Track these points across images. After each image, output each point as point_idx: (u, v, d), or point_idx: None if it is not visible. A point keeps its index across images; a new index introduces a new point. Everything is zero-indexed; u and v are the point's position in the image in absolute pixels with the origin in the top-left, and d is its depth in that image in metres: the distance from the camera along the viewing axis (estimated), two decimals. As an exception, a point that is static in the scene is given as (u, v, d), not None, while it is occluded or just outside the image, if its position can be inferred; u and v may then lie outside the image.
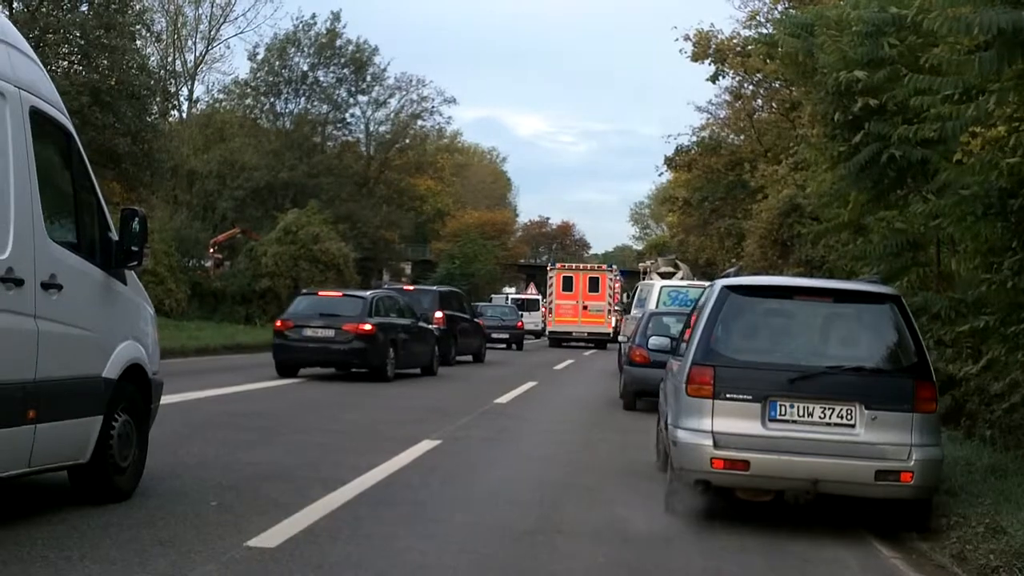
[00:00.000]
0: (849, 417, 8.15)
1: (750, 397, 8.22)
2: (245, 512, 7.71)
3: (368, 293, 22.30)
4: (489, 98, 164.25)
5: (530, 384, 21.83)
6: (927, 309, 13.40)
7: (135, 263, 7.88)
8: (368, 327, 20.31)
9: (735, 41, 41.33)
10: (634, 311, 23.93)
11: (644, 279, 36.19)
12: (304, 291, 24.45)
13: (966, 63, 9.19)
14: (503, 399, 18.06)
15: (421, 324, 23.33)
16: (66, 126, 7.50)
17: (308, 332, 20.37)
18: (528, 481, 10.01)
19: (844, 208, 16.08)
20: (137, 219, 7.77)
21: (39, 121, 6.97)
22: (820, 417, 8.17)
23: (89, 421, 7.32)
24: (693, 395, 8.37)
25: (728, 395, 8.25)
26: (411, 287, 32.38)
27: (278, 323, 20.98)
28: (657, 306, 21.67)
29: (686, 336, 9.81)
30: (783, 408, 8.21)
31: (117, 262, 7.75)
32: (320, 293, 23.09)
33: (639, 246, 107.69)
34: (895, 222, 15.26)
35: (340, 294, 22.79)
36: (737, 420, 8.21)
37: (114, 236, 7.77)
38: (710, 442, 8.19)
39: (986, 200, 10.42)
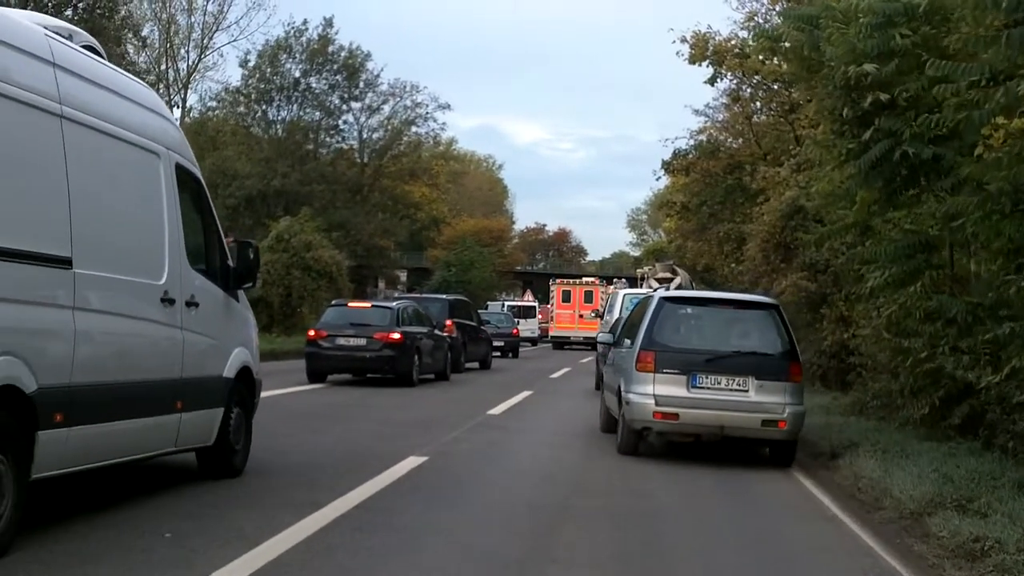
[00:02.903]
0: (744, 385, 12.10)
1: (679, 371, 12.16)
2: (203, 544, 6.98)
3: (394, 303, 23.96)
4: (487, 106, 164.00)
5: (526, 393, 21.09)
6: (942, 313, 12.69)
7: (249, 284, 9.78)
8: (397, 335, 21.70)
9: (733, 43, 40.62)
10: (607, 316, 27.42)
11: (642, 285, 40.13)
12: (333, 302, 25.65)
13: (994, 41, 8.46)
14: (496, 410, 17.31)
15: (437, 332, 24.43)
16: (198, 175, 9.35)
17: (341, 341, 21.74)
18: (519, 502, 9.29)
19: (850, 209, 15.38)
20: (251, 249, 9.75)
21: (180, 174, 8.83)
22: (725, 385, 12.11)
23: (215, 412, 9.14)
24: (640, 370, 12.27)
25: (664, 370, 12.17)
26: (415, 295, 33.07)
27: (311, 333, 22.35)
28: (620, 312, 24.13)
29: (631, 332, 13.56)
30: (701, 379, 12.11)
31: (234, 284, 9.60)
32: (349, 304, 24.39)
33: (636, 252, 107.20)
34: (903, 223, 14.57)
35: (368, 305, 24.56)
36: (670, 387, 12.12)
37: (231, 262, 9.56)
38: (652, 402, 12.09)
39: (1015, 196, 9.70)
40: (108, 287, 7.46)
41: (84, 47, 7.86)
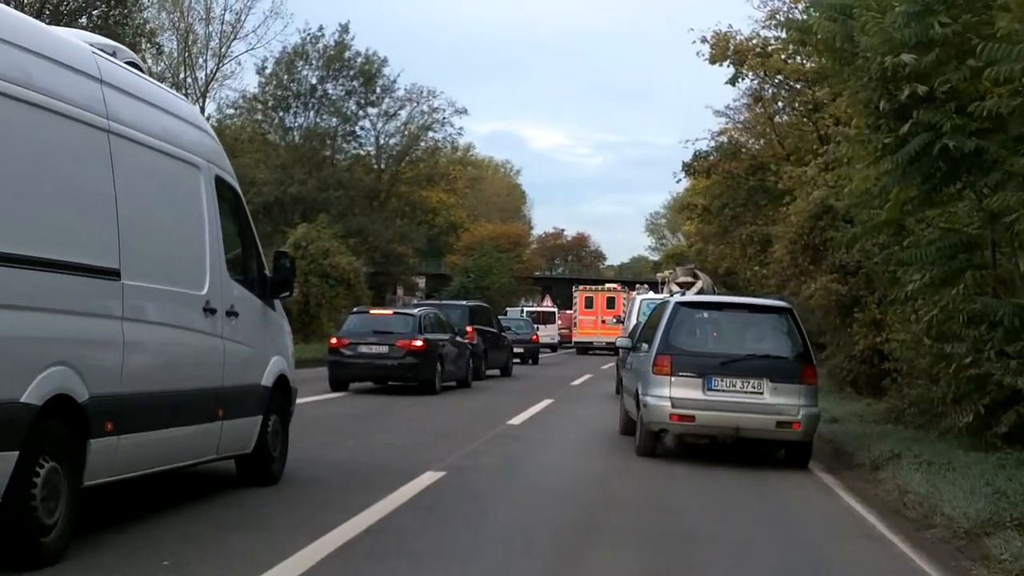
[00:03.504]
0: (759, 387, 12.29)
1: (695, 374, 12.35)
2: (202, 571, 6.44)
3: (416, 310, 23.71)
4: (505, 112, 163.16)
5: (546, 401, 20.46)
6: (987, 316, 12.04)
7: (285, 294, 10.01)
8: (419, 343, 21.45)
9: (754, 42, 39.96)
10: (627, 322, 28.44)
11: (663, 290, 40.38)
12: (355, 309, 25.59)
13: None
14: (517, 420, 16.69)
15: (458, 339, 24.11)
16: (236, 187, 9.53)
17: (363, 348, 21.48)
18: (542, 522, 8.69)
19: (883, 208, 14.74)
20: (287, 260, 10.00)
21: (219, 186, 9.00)
22: (740, 387, 12.29)
23: (254, 420, 9.25)
24: (657, 373, 12.48)
25: (680, 373, 12.37)
26: (435, 302, 32.96)
27: (333, 340, 22.01)
28: (638, 318, 24.56)
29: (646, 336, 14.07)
30: (716, 381, 12.31)
31: (271, 293, 9.77)
32: (371, 311, 24.40)
33: (655, 257, 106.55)
34: (938, 221, 13.93)
35: (391, 312, 24.28)
36: (687, 389, 12.31)
37: (268, 273, 9.76)
38: (669, 404, 12.31)
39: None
40: (154, 298, 7.66)
41: (127, 63, 8.06)
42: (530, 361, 39.22)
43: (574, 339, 55.45)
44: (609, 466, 12.30)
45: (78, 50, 7.18)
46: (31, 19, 7.21)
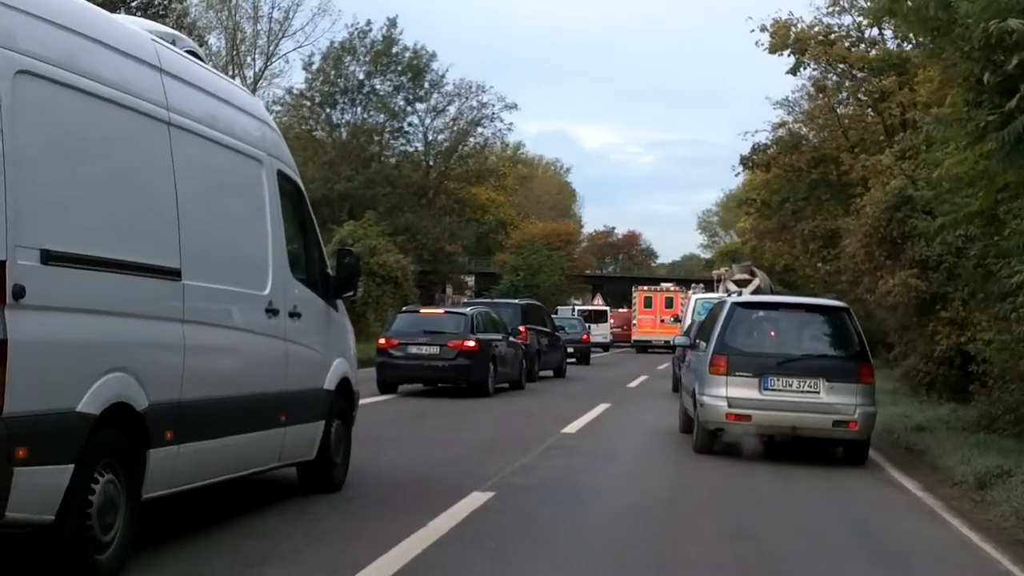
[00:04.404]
0: (816, 387, 12.36)
1: (751, 374, 12.44)
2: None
3: (468, 309, 22.72)
4: (556, 111, 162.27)
5: (602, 407, 19.12)
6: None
7: (349, 294, 9.55)
8: (472, 343, 20.59)
9: (816, 29, 38.40)
10: (683, 321, 29.29)
11: (718, 288, 41.63)
12: (404, 308, 24.65)
13: None
14: (572, 427, 15.40)
15: (511, 339, 23.23)
16: (298, 183, 9.15)
17: (413, 349, 20.61)
18: (608, 556, 7.44)
19: (977, 196, 13.33)
20: (350, 257, 9.52)
21: (282, 181, 8.63)
22: (797, 387, 12.38)
23: (316, 425, 8.88)
24: (714, 373, 12.55)
25: (737, 373, 12.46)
26: (486, 300, 32.21)
27: (381, 341, 21.03)
28: (693, 316, 25.38)
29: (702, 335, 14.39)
30: (773, 381, 12.40)
31: (335, 293, 9.35)
32: (421, 311, 23.43)
33: (707, 255, 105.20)
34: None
35: (442, 311, 23.40)
36: (743, 389, 12.40)
37: (331, 271, 9.34)
38: (725, 404, 12.41)
39: None
40: (216, 299, 7.30)
41: (187, 52, 7.64)
42: (582, 361, 37.89)
43: (633, 337, 56.67)
44: (678, 483, 10.98)
45: (136, 37, 6.78)
46: (84, 1, 6.36)
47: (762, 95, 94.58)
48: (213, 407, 7.12)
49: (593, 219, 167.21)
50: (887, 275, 19.78)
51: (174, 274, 6.65)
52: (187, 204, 6.84)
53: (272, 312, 8.06)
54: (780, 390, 12.37)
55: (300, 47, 68.43)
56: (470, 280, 70.86)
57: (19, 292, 5.17)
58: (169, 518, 7.43)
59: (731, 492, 10.39)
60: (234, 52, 55.58)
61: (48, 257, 5.40)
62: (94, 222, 5.90)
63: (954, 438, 13.67)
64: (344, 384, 9.42)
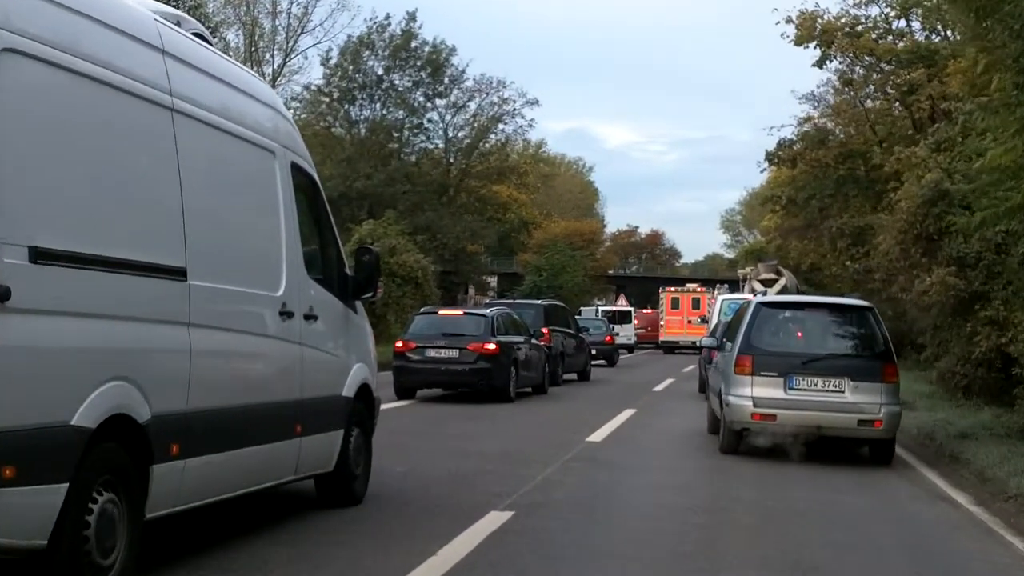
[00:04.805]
0: (840, 386, 12.36)
1: (776, 374, 12.45)
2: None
3: (489, 311, 21.84)
4: (577, 109, 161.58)
5: (628, 412, 18.41)
6: None
7: (369, 295, 9.04)
8: (493, 346, 19.74)
9: (843, 21, 37.53)
10: (710, 322, 29.32)
11: (743, 287, 42.07)
12: (422, 310, 23.64)
13: None
14: (597, 436, 14.69)
15: (534, 342, 22.36)
16: (314, 176, 8.62)
17: (431, 353, 19.80)
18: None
19: (1018, 189, 12.55)
20: (370, 256, 8.99)
21: (296, 174, 8.09)
22: (822, 386, 12.36)
23: (335, 435, 8.38)
24: (739, 373, 12.57)
25: (762, 373, 12.46)
26: (507, 301, 31.36)
27: (398, 344, 20.24)
28: (719, 317, 25.32)
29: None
30: (798, 380, 12.40)
31: (353, 294, 8.84)
32: (440, 312, 22.43)
33: (730, 254, 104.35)
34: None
35: (461, 312, 22.51)
36: (768, 388, 12.41)
37: (349, 271, 8.82)
38: (751, 403, 12.42)
39: None
40: (225, 300, 6.79)
41: (193, 34, 7.07)
42: (606, 363, 37.15)
43: (661, 338, 57.01)
44: (712, 500, 10.21)
45: (137, 15, 6.24)
46: None
47: (785, 92, 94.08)
48: (223, 418, 6.61)
49: (616, 218, 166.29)
50: (923, 273, 18.95)
51: (179, 274, 6.16)
52: (193, 198, 6.33)
53: (286, 315, 7.54)
54: (805, 389, 12.44)
55: (319, 43, 67.84)
56: (492, 281, 70.14)
57: (4, 294, 4.72)
58: (171, 538, 6.90)
59: (773, 511, 9.64)
60: (252, 48, 54.98)
61: (37, 255, 4.94)
62: (89, 216, 5.43)
63: (1001, 446, 12.92)
64: (364, 390, 8.92)
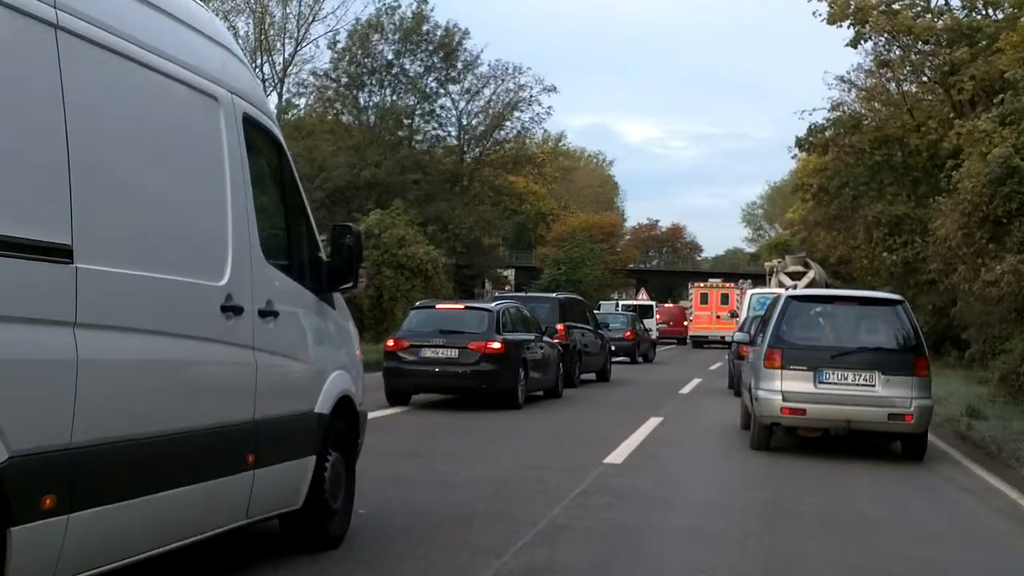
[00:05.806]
0: (871, 380, 12.53)
1: (806, 367, 12.65)
2: None
3: (493, 304, 19.39)
4: (598, 104, 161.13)
5: (653, 422, 16.13)
6: None
7: (348, 285, 7.26)
8: (497, 345, 17.46)
9: (881, -4, 35.29)
10: (740, 317, 29.95)
11: (770, 280, 41.84)
12: (418, 303, 20.91)
13: None
14: (617, 455, 12.35)
15: (547, 339, 20.12)
16: (276, 135, 6.93)
17: (427, 353, 17.47)
18: None
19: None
20: (350, 235, 7.17)
21: (251, 130, 6.33)
22: (852, 380, 12.57)
23: (303, 463, 6.69)
24: (768, 367, 12.84)
25: (792, 367, 12.70)
26: (519, 294, 29.32)
27: (390, 343, 18.07)
28: (748, 312, 25.65)
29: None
30: (827, 374, 12.60)
31: (328, 284, 7.17)
32: (438, 306, 19.62)
33: (751, 248, 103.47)
34: None
35: (462, 306, 19.70)
36: (798, 382, 12.63)
37: (323, 255, 7.19)
38: (780, 397, 12.65)
39: None
40: (132, 291, 5.01)
41: None
42: (628, 360, 35.02)
43: (690, 333, 57.67)
44: (774, 543, 7.99)
45: None
46: None
47: (807, 88, 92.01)
48: (130, 452, 4.92)
49: (636, 213, 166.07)
50: (990, 261, 16.63)
51: (61, 253, 4.53)
52: (86, 151, 4.66)
53: (232, 310, 5.81)
54: (835, 383, 12.44)
55: (331, 31, 65.94)
56: (510, 274, 68.22)
57: None
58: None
59: (840, 552, 7.42)
60: (262, 37, 53.26)
61: None
62: None
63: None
64: (344, 404, 7.19)
